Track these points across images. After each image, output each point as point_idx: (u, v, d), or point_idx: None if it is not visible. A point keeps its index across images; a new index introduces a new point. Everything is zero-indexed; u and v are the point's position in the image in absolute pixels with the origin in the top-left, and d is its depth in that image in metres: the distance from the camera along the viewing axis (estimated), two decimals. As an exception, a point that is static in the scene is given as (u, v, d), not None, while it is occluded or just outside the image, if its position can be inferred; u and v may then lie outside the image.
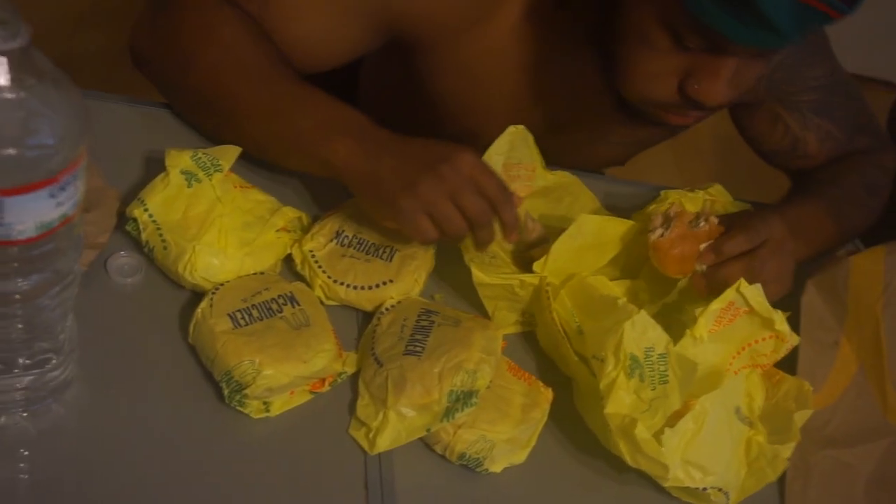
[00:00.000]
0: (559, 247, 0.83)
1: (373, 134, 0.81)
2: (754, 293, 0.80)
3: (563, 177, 0.97)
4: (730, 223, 0.88)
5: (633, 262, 0.92)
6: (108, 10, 2.14)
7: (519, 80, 0.96)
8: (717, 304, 0.80)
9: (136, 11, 0.91)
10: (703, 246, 0.85)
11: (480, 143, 0.91)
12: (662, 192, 0.90)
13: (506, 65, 0.96)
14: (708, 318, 0.80)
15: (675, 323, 0.85)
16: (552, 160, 1.00)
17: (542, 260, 0.83)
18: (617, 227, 0.86)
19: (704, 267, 0.85)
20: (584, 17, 0.89)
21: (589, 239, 0.84)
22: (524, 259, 0.90)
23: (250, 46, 0.85)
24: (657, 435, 0.74)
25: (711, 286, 0.85)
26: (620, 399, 0.75)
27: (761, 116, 1.03)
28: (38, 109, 0.52)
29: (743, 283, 0.80)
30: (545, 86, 0.96)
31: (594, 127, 1.02)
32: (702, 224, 0.85)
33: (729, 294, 0.80)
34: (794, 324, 0.86)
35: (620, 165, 1.20)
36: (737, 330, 0.82)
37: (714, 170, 2.28)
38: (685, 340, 0.79)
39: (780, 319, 0.81)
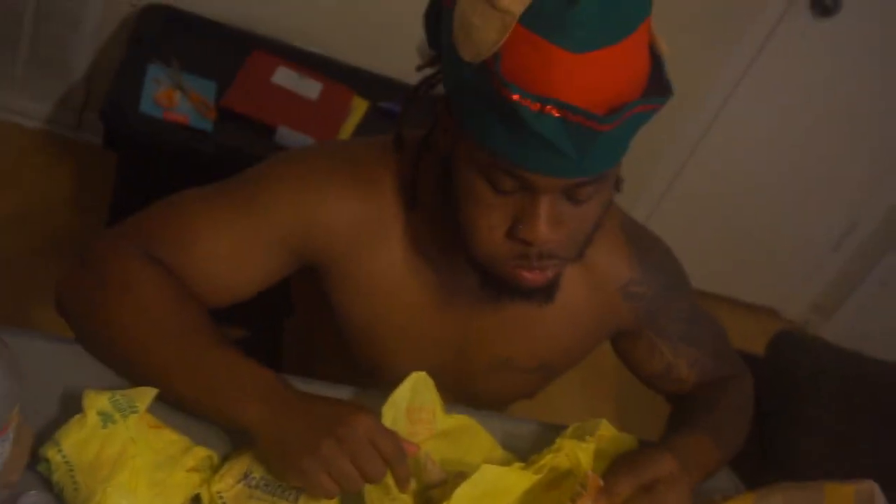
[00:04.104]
0: (460, 493, 0.88)
1: (281, 397, 0.87)
2: None
3: (461, 420, 1.03)
4: (616, 464, 0.95)
5: None
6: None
7: (412, 306, 1.04)
8: None
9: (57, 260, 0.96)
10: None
11: (383, 374, 1.02)
12: (557, 441, 0.96)
13: (400, 285, 1.05)
14: None
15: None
16: (462, 397, 1.08)
17: None
18: (514, 478, 0.91)
19: None
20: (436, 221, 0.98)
21: (488, 487, 0.89)
22: (424, 498, 0.94)
23: (170, 306, 0.92)
24: None
25: None
26: None
27: (641, 345, 1.16)
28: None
29: None
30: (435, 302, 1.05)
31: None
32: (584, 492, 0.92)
33: None
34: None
35: (529, 399, 1.26)
36: None
37: (617, 390, 2.45)
38: None
39: None
